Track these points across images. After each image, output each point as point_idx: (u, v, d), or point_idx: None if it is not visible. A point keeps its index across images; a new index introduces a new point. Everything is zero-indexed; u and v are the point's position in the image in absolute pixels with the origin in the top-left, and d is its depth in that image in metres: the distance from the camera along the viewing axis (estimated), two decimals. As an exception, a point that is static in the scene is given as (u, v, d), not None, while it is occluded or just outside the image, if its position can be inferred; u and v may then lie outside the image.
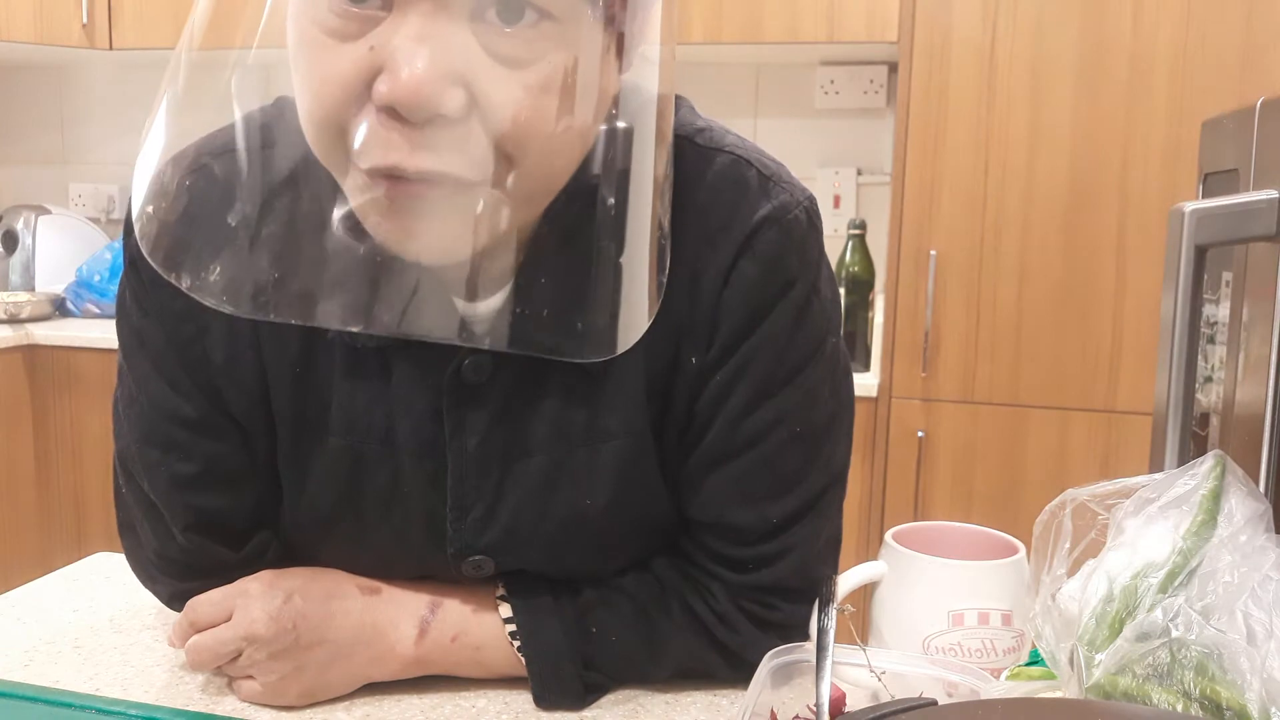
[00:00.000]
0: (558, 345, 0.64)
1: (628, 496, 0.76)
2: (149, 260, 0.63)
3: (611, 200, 0.64)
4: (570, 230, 0.66)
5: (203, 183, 0.69)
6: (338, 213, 0.62)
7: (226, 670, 0.76)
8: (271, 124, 0.65)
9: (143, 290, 0.75)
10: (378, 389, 0.74)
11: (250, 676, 0.75)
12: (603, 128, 0.64)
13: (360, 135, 0.59)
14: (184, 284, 0.62)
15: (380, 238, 0.62)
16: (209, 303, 0.63)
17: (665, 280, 0.64)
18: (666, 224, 0.64)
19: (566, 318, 0.65)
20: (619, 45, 0.64)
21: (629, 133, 0.64)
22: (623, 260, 0.63)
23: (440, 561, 0.77)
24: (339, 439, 0.75)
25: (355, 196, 0.61)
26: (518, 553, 0.77)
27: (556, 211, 0.67)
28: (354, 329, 0.66)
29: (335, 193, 0.63)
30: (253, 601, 0.75)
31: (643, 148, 0.64)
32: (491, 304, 0.69)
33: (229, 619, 0.75)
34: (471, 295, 0.69)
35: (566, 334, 0.64)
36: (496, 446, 0.74)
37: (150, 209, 0.63)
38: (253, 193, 0.64)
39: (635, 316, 0.63)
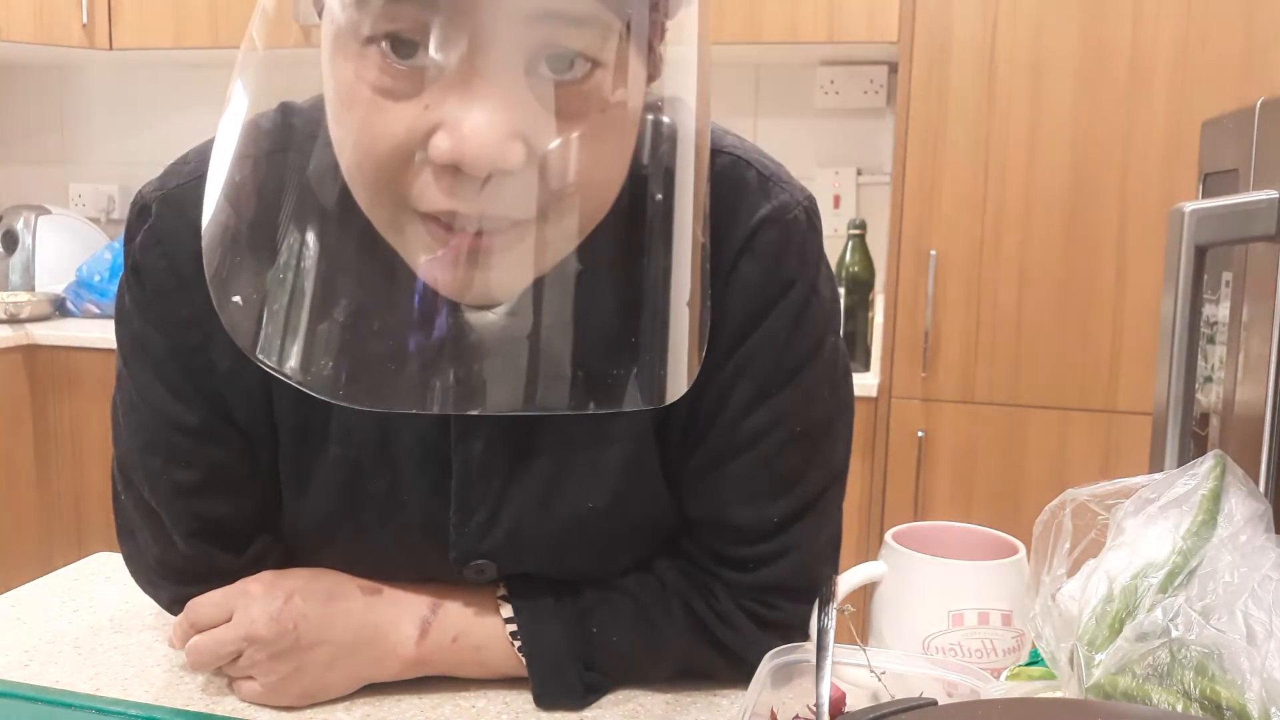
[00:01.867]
0: (626, 398, 0.62)
1: (630, 498, 0.76)
2: (247, 352, 0.59)
3: (659, 233, 0.62)
4: (620, 272, 0.64)
5: (290, 275, 0.64)
6: (410, 295, 0.61)
7: (227, 671, 0.76)
8: (329, 205, 0.63)
9: (145, 298, 0.74)
10: None
11: (251, 677, 0.75)
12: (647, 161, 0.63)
13: (419, 192, 0.58)
14: (294, 377, 0.60)
15: (445, 291, 0.61)
16: (320, 395, 0.60)
17: (710, 301, 0.63)
18: (708, 244, 0.63)
19: (632, 368, 0.63)
20: (654, 71, 0.63)
21: (670, 170, 0.63)
22: (673, 298, 0.62)
23: (441, 567, 0.77)
24: (338, 446, 0.75)
25: (414, 254, 0.60)
26: (520, 556, 0.77)
27: (600, 254, 0.64)
28: (471, 411, 0.63)
29: (409, 276, 0.61)
30: (253, 602, 0.75)
31: (684, 179, 0.63)
32: (556, 361, 0.64)
33: (229, 620, 0.75)
34: (537, 352, 0.65)
35: (636, 385, 0.62)
36: (501, 451, 0.74)
37: (238, 299, 0.60)
38: (343, 284, 0.62)
39: (692, 351, 0.62)
